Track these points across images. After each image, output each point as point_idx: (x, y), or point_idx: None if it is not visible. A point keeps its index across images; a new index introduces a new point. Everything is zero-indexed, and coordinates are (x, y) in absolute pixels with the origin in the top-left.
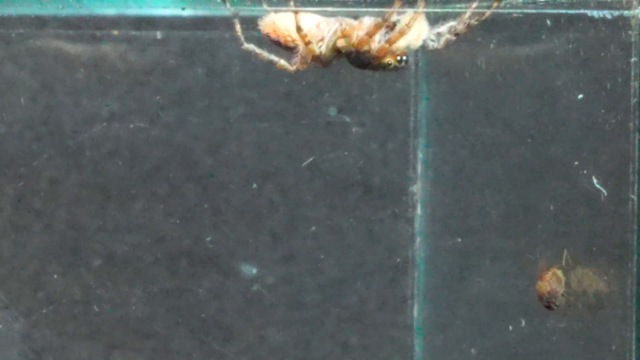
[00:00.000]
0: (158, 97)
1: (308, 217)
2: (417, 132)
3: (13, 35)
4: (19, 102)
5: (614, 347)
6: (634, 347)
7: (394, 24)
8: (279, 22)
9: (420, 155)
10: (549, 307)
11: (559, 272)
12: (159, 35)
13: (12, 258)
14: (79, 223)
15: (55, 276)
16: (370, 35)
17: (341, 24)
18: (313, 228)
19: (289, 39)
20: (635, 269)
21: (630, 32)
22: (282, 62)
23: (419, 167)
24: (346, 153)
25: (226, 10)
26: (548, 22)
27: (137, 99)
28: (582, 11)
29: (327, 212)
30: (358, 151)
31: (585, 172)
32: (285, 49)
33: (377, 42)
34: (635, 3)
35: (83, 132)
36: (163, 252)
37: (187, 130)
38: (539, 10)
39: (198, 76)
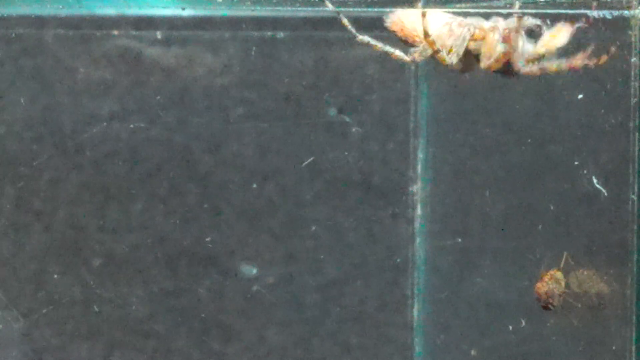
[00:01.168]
0: (158, 97)
1: (308, 217)
2: (417, 132)
3: (13, 35)
4: (19, 102)
5: (614, 347)
6: (634, 347)
7: (539, 28)
8: (407, 22)
9: (420, 155)
10: (546, 308)
11: (558, 274)
12: (159, 35)
13: (12, 258)
14: (79, 223)
15: (55, 276)
16: (512, 45)
17: (471, 28)
18: (313, 228)
19: (417, 39)
20: (635, 269)
21: (630, 32)
22: (398, 52)
23: (419, 167)
24: (346, 153)
25: (328, 9)
26: (548, 22)
27: (137, 99)
28: (582, 11)
29: (327, 212)
30: (358, 151)
31: (585, 172)
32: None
33: (521, 54)
34: (635, 3)
35: (83, 132)
36: (163, 252)
37: (187, 130)
38: (539, 10)
39: (198, 76)
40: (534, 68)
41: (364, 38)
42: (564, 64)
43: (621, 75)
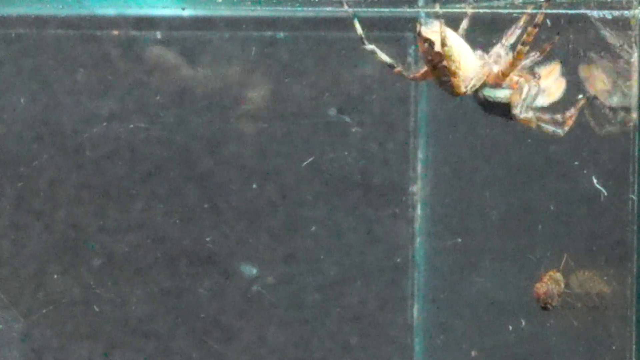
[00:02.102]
0: (158, 97)
1: (308, 217)
2: (417, 132)
3: (13, 35)
4: (19, 102)
5: (614, 347)
6: (634, 347)
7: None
8: (455, 42)
9: (420, 155)
10: (544, 308)
11: (557, 275)
12: (159, 35)
13: (12, 258)
14: (79, 223)
15: (55, 276)
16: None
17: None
18: (313, 228)
19: (455, 65)
20: (635, 269)
21: (630, 32)
22: (400, 68)
23: (419, 167)
24: (346, 153)
25: (343, 11)
26: (548, 22)
27: (137, 99)
28: (582, 11)
29: (327, 212)
30: (358, 151)
31: (585, 172)
32: (429, 64)
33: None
34: (635, 3)
35: (83, 132)
36: (163, 252)
37: (187, 130)
38: (539, 10)
39: (198, 76)
40: (530, 116)
41: (370, 47)
42: (559, 116)
43: (621, 75)
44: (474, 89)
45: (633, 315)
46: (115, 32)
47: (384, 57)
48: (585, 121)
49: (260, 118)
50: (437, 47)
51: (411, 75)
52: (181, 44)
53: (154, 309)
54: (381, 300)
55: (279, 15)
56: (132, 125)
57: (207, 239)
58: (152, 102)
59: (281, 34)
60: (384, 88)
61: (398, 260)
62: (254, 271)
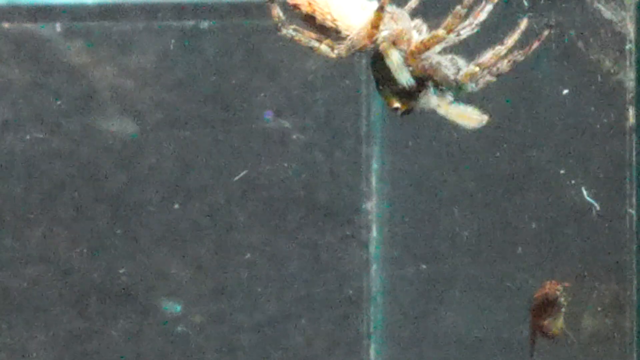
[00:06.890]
0: (59, 102)
1: (241, 242)
2: (370, 138)
3: None
4: None
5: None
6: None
7: None
8: None
9: (374, 165)
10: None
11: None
12: (58, 27)
13: None
14: None
15: None
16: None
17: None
18: (247, 256)
19: (328, 17)
20: (635, 297)
21: (623, 14)
22: (324, 47)
23: (374, 181)
24: (286, 165)
25: None
26: (525, 2)
27: (33, 104)
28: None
29: (264, 236)
30: (300, 162)
31: (573, 182)
32: (314, 26)
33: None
34: None
35: None
36: (68, 287)
37: (94, 140)
38: (539, 11)
39: (106, 76)
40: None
41: (288, 32)
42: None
43: (614, 65)
44: (354, 45)
45: (634, 352)
46: (6, 25)
47: (305, 40)
48: (572, 121)
49: (181, 125)
50: (305, 10)
51: (336, 54)
52: (85, 37)
53: (59, 356)
54: (331, 341)
55: (202, 2)
56: (28, 136)
57: (121, 271)
58: (51, 108)
59: (205, 24)
60: (329, 85)
61: (350, 292)
62: (178, 308)
